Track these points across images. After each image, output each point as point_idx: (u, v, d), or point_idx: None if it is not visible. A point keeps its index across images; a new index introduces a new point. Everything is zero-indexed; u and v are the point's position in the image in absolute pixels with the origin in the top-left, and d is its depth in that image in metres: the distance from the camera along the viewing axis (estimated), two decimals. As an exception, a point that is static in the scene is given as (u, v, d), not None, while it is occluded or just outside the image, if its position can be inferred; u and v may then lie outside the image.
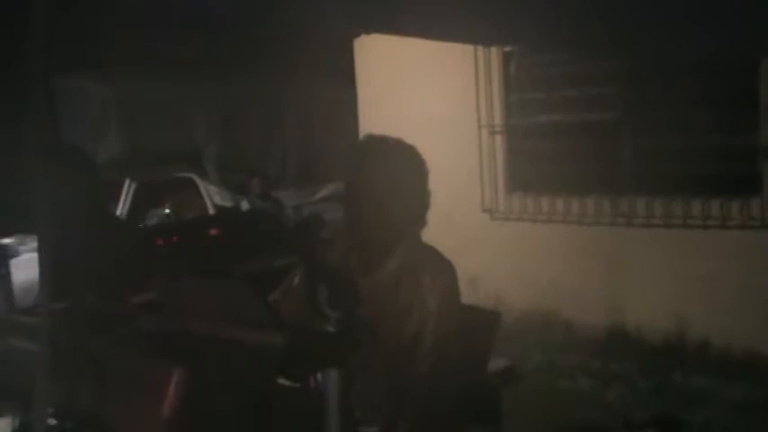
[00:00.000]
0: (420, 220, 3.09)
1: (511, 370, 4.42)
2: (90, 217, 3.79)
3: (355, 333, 2.16)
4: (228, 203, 12.23)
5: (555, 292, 8.27)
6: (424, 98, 9.10)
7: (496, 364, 3.78)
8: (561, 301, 8.26)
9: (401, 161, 3.02)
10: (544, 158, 8.52)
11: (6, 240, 8.84)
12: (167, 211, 11.60)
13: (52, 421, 2.64)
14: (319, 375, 2.18)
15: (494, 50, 8.72)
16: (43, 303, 2.07)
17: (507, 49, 8.65)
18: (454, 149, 8.62)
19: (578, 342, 8.05)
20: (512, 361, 4.46)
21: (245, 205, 11.86)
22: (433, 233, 3.14)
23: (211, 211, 11.99)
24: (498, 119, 8.85)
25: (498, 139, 8.87)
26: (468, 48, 8.63)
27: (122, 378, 2.04)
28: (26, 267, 7.65)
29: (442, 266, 3.00)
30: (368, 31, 9.71)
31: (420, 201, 3.07)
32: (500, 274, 8.47)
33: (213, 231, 10.99)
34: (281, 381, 2.25)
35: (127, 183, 11.23)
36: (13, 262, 8.29)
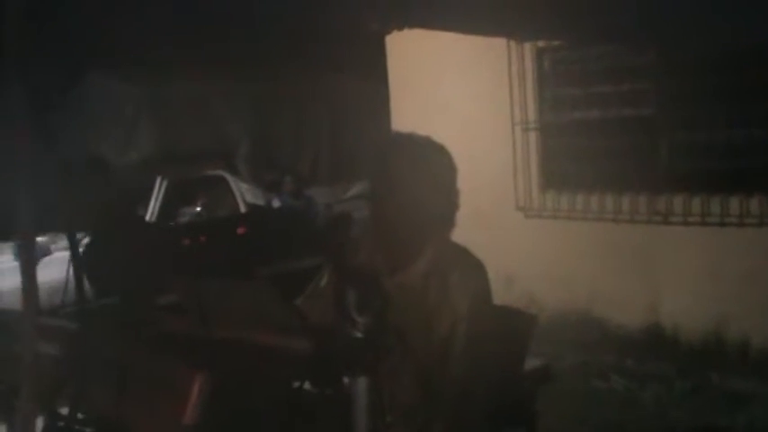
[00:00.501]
0: (449, 221, 2.98)
1: (545, 369, 4.36)
2: (115, 219, 3.77)
3: (384, 339, 2.09)
4: (260, 201, 12.19)
5: (589, 291, 8.17)
6: (457, 95, 9.02)
7: (530, 363, 3.71)
8: (596, 299, 8.15)
9: (429, 159, 2.94)
10: (579, 155, 8.42)
11: (40, 239, 8.84)
12: (198, 209, 11.58)
13: (71, 424, 2.61)
14: (346, 380, 2.11)
15: (527, 46, 8.62)
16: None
17: (540, 44, 8.55)
18: (488, 146, 8.54)
19: (613, 341, 7.95)
20: (546, 360, 4.40)
21: (276, 203, 11.82)
22: (466, 230, 3.06)
23: (243, 208, 11.95)
24: (532, 115, 8.75)
25: (532, 135, 8.78)
26: (501, 44, 8.55)
27: (145, 381, 1.98)
28: (58, 266, 7.62)
29: (471, 267, 2.91)
30: (400, 28, 9.64)
31: (449, 201, 2.97)
32: (534, 272, 8.38)
33: (241, 230, 10.94)
34: (308, 386, 2.19)
35: (158, 181, 11.21)
36: (45, 260, 8.28)
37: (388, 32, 9.96)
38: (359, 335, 2.04)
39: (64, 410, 2.50)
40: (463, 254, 2.95)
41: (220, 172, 12.29)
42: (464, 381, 2.77)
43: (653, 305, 7.79)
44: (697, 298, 7.43)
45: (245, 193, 12.09)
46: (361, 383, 2.02)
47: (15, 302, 3.73)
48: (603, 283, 8.06)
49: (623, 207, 8.05)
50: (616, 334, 8.02)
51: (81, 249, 4.69)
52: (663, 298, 7.74)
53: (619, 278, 7.95)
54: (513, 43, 8.60)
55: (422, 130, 3.04)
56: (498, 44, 8.50)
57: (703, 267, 7.41)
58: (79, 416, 2.42)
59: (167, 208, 11.13)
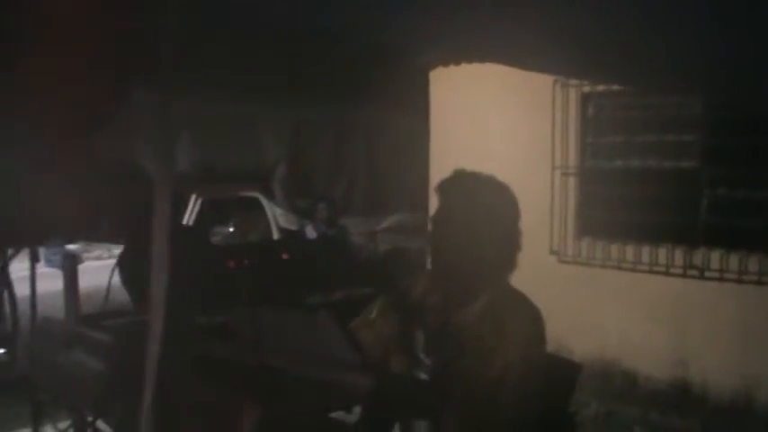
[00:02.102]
0: (509, 262, 2.95)
1: (570, 417, 4.29)
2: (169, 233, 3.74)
3: (451, 382, 2.04)
4: (293, 227, 12.19)
5: (619, 341, 8.10)
6: (498, 134, 9.01)
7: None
8: (625, 350, 8.08)
9: (494, 200, 2.92)
10: (617, 204, 8.37)
11: (72, 246, 8.88)
12: (231, 229, 11.58)
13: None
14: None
15: (572, 91, 8.60)
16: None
17: (586, 90, 8.53)
18: (525, 188, 8.41)
19: (639, 393, 7.87)
20: (570, 408, 4.35)
21: (310, 230, 11.82)
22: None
23: (275, 232, 11.96)
24: (572, 160, 8.71)
25: (571, 180, 8.73)
26: (546, 87, 8.54)
27: (190, 406, 1.94)
28: (90, 274, 7.67)
29: (529, 314, 2.88)
30: (445, 64, 9.67)
31: (511, 241, 2.94)
32: (564, 318, 8.24)
33: (285, 256, 10.87)
34: (363, 424, 2.14)
35: (193, 198, 11.25)
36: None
37: (433, 68, 9.99)
38: (425, 376, 1.98)
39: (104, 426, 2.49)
40: (521, 298, 2.92)
41: (255, 194, 12.31)
42: (512, 425, 2.72)
43: (682, 360, 7.70)
44: (728, 356, 7.34)
45: (278, 218, 12.10)
46: (422, 428, 1.97)
47: (54, 306, 3.73)
48: (633, 335, 7.99)
49: (659, 259, 7.98)
50: (643, 386, 7.94)
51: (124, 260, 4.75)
52: (693, 353, 7.65)
53: (650, 330, 7.87)
54: (558, 86, 8.59)
55: (462, 166, 3.03)
56: (543, 87, 8.48)
57: (737, 326, 7.31)
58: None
59: (200, 226, 11.14)
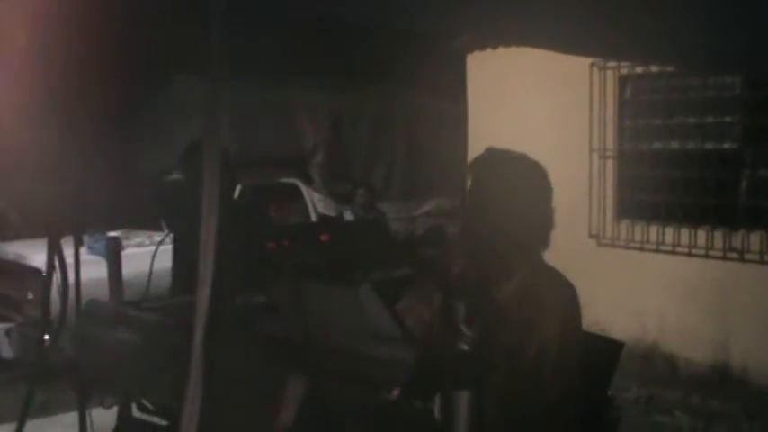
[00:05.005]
0: (544, 240, 2.97)
1: (609, 400, 4.29)
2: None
3: (492, 354, 2.06)
4: (331, 212, 12.20)
5: (659, 324, 8.07)
6: (536, 118, 8.96)
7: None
8: (665, 333, 8.05)
9: (527, 177, 2.93)
10: (656, 186, 8.33)
11: (114, 233, 8.94)
12: (271, 215, 11.62)
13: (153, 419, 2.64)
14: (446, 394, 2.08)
15: (609, 74, 8.56)
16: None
17: (623, 72, 8.48)
18: (563, 171, 8.35)
19: (680, 377, 7.84)
20: (610, 391, 4.35)
21: (348, 215, 11.82)
22: (538, 255, 3.04)
23: (314, 218, 11.96)
24: (610, 143, 8.68)
25: (609, 163, 8.70)
26: (583, 70, 8.50)
27: (234, 382, 1.98)
28: (130, 262, 7.71)
29: (565, 290, 2.90)
30: (482, 47, 9.65)
31: (544, 219, 2.95)
32: (602, 301, 8.26)
33: (324, 237, 10.91)
34: (406, 397, 2.16)
35: (232, 184, 11.28)
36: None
37: (470, 51, 9.98)
38: (466, 348, 2.00)
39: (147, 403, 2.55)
40: (556, 275, 2.93)
41: (293, 180, 12.34)
42: (551, 403, 2.74)
43: (723, 343, 7.66)
44: (769, 339, 7.29)
45: (317, 203, 12.12)
46: (464, 399, 1.99)
47: (96, 294, 3.80)
48: (673, 318, 7.96)
49: (698, 241, 7.93)
50: (683, 369, 7.91)
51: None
52: (733, 336, 7.61)
53: (689, 313, 7.83)
54: (595, 69, 8.55)
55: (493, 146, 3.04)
56: (580, 69, 8.44)
57: (778, 308, 7.27)
58: (161, 410, 2.45)
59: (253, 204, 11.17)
